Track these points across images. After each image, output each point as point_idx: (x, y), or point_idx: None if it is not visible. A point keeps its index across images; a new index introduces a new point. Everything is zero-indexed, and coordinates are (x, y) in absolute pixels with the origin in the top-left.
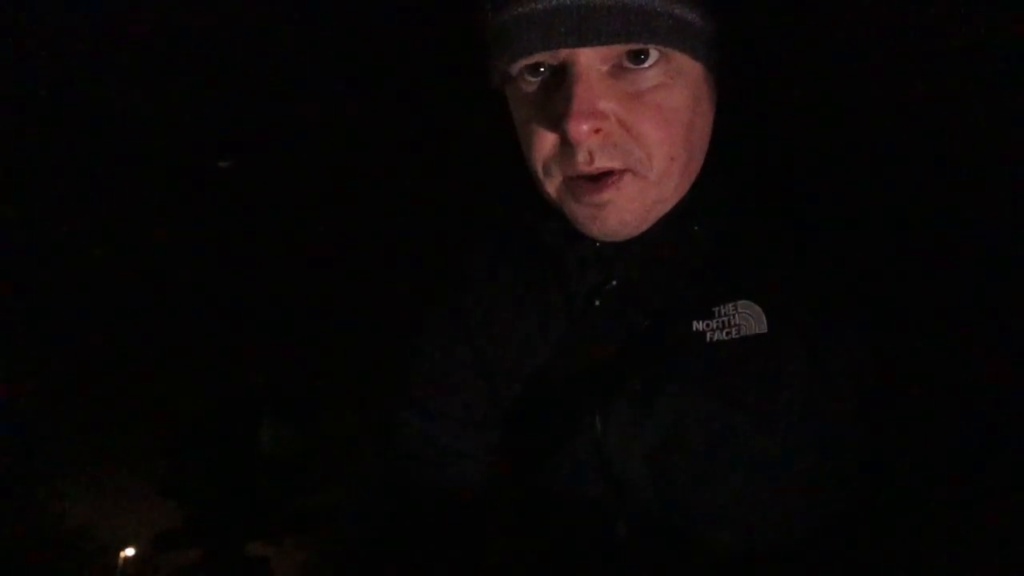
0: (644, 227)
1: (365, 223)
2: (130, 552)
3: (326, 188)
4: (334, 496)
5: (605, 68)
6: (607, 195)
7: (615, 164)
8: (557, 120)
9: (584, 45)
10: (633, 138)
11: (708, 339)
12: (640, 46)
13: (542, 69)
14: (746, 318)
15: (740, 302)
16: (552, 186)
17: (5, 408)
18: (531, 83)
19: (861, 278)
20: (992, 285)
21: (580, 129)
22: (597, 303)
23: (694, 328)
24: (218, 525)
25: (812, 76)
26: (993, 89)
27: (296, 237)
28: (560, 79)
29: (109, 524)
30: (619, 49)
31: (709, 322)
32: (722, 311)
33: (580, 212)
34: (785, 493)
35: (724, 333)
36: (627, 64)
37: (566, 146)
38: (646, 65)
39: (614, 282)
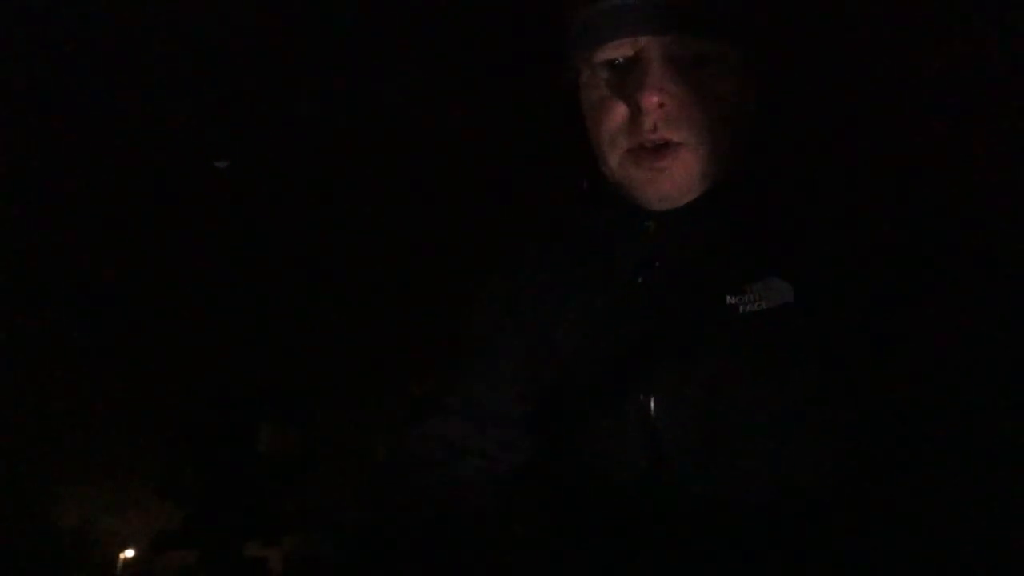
0: (690, 196)
1: (365, 224)
2: (130, 553)
3: (326, 188)
4: (334, 496)
5: (673, 57)
6: (665, 162)
7: (673, 137)
8: (629, 96)
9: (663, 34)
10: (689, 118)
11: (741, 311)
12: (706, 40)
13: (617, 61)
14: (775, 291)
15: (769, 278)
16: (615, 156)
17: (5, 408)
18: (607, 71)
19: (881, 253)
20: (1009, 264)
21: (651, 100)
22: (640, 280)
23: (728, 301)
24: (217, 525)
25: (845, 71)
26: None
27: (296, 238)
28: (634, 65)
29: (109, 525)
30: (684, 43)
31: (741, 296)
32: (753, 286)
33: (640, 176)
34: (813, 452)
35: (755, 305)
36: (691, 56)
37: (635, 118)
38: (705, 59)
39: (656, 263)
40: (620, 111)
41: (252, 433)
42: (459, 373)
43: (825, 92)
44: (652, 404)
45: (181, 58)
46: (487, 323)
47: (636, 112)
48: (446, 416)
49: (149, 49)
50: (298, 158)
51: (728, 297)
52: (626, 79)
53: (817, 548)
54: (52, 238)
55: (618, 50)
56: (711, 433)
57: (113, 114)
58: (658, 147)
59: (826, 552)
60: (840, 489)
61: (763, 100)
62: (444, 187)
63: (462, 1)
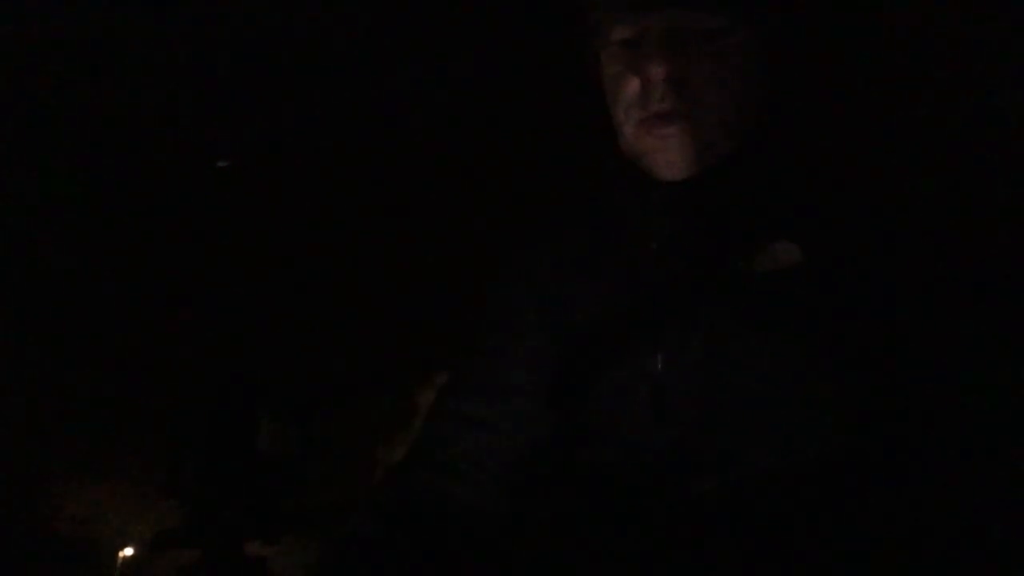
0: (698, 166)
1: (368, 223)
2: (128, 552)
3: (327, 189)
4: (335, 496)
5: (684, 34)
6: (671, 130)
7: (681, 107)
8: (640, 70)
9: (669, 10)
10: (698, 90)
11: (752, 275)
12: (716, 17)
13: (630, 40)
14: (785, 253)
15: (779, 242)
16: (630, 127)
17: (5, 408)
18: (621, 49)
19: (885, 219)
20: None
21: (660, 70)
22: (654, 246)
23: (738, 264)
24: (217, 525)
25: (853, 54)
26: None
27: (296, 237)
28: (644, 41)
29: (108, 524)
30: (692, 19)
31: (751, 259)
32: (765, 249)
33: (650, 144)
34: (812, 413)
35: (764, 266)
36: (698, 31)
37: (646, 90)
38: (717, 35)
39: (668, 230)
40: (633, 85)
41: (252, 432)
42: (476, 351)
43: (839, 69)
44: (659, 361)
45: (183, 57)
46: (506, 299)
47: (647, 85)
48: (462, 393)
49: (150, 50)
50: (299, 156)
51: (739, 260)
52: (638, 55)
53: (815, 508)
54: (52, 238)
55: (630, 29)
56: (713, 389)
57: (114, 115)
58: (668, 117)
59: (824, 513)
60: (840, 452)
61: (775, 75)
62: (445, 188)
63: None
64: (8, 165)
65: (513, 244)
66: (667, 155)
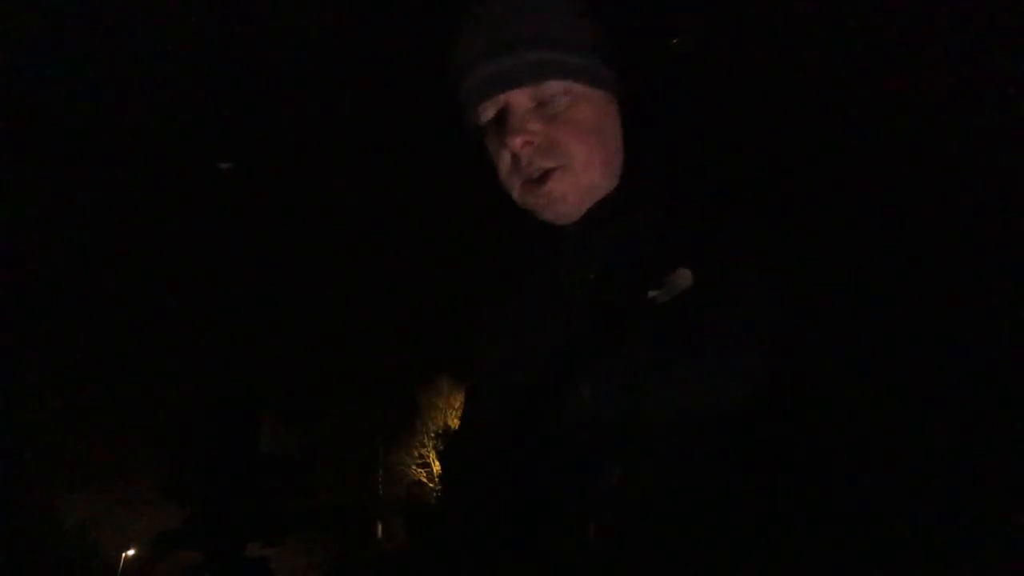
0: (584, 207)
1: (369, 227)
2: (131, 552)
3: (329, 191)
4: (336, 497)
5: (531, 104)
6: (548, 187)
7: (548, 164)
8: (506, 142)
9: (508, 90)
10: (557, 145)
11: (658, 302)
12: (539, 83)
13: (493, 118)
14: (682, 279)
15: (679, 270)
16: (516, 193)
17: (6, 410)
18: (490, 128)
19: (771, 248)
20: (895, 265)
21: (516, 142)
22: (572, 287)
23: (649, 295)
24: (219, 525)
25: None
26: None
27: (297, 239)
28: (503, 118)
29: (111, 525)
30: (534, 90)
31: (659, 290)
32: (666, 279)
33: (535, 203)
34: (717, 434)
35: (667, 295)
36: (543, 97)
37: (515, 160)
38: (556, 97)
39: (581, 270)
40: (506, 157)
41: (254, 434)
42: (467, 393)
43: (706, 94)
44: (588, 391)
45: (185, 60)
46: (477, 351)
47: (515, 156)
48: (462, 437)
49: (152, 51)
50: (304, 160)
51: (650, 292)
52: (502, 130)
53: (723, 524)
54: (54, 239)
55: (490, 110)
56: (634, 415)
57: (115, 115)
58: (541, 176)
59: (729, 526)
60: (734, 457)
61: (627, 117)
62: (448, 190)
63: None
64: (8, 165)
65: (483, 304)
66: (554, 210)
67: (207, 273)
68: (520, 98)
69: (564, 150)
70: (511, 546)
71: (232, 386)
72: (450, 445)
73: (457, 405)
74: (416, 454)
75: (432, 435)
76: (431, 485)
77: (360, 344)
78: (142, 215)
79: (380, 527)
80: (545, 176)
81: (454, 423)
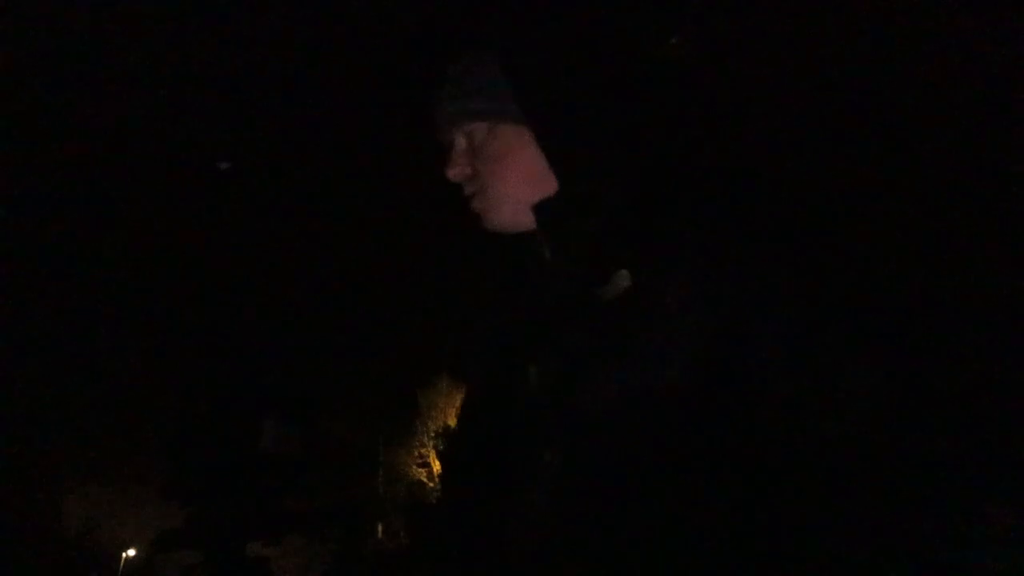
0: (520, 220)
1: (369, 228)
2: (132, 552)
3: (330, 191)
4: (336, 496)
5: (465, 142)
6: (476, 205)
7: (473, 189)
8: (448, 167)
9: (451, 125)
10: (479, 175)
11: (602, 299)
12: (469, 124)
13: (447, 146)
14: (621, 279)
15: (620, 271)
16: (466, 208)
17: (7, 410)
18: (448, 149)
19: (706, 246)
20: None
21: (451, 173)
22: (535, 283)
23: (596, 293)
24: (219, 525)
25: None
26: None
27: (297, 239)
28: (449, 147)
29: (111, 525)
30: (466, 129)
31: (604, 287)
32: (611, 277)
33: (478, 216)
34: (645, 407)
35: (611, 294)
36: (473, 137)
37: (458, 180)
38: (480, 135)
39: (538, 271)
40: (453, 176)
41: (254, 434)
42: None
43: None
44: (534, 373)
45: (185, 61)
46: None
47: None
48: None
49: (153, 52)
50: (304, 160)
51: (596, 289)
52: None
53: (658, 518)
54: (55, 239)
55: (443, 138)
56: (570, 396)
57: (116, 115)
58: (472, 198)
59: (655, 500)
60: (685, 452)
61: (543, 144)
62: (446, 191)
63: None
64: (9, 166)
65: (475, 312)
66: (491, 223)
67: (207, 273)
68: (459, 136)
69: (490, 178)
70: (475, 513)
71: (233, 386)
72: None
73: (457, 405)
74: (416, 454)
75: (432, 435)
76: (431, 485)
77: (360, 344)
78: (143, 215)
79: (380, 527)
80: (474, 200)
81: (454, 423)
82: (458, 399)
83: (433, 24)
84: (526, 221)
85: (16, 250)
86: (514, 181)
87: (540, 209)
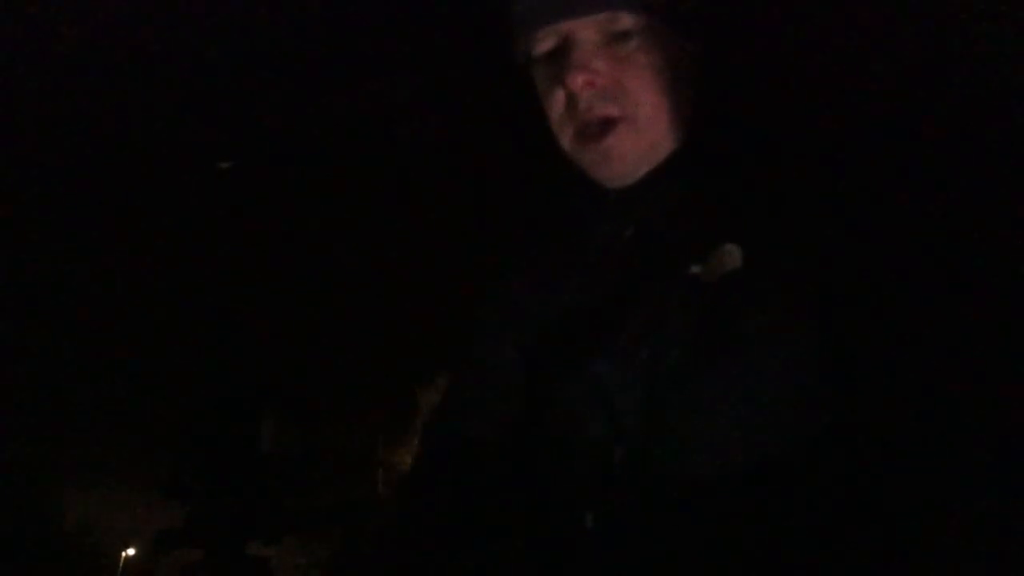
0: (644, 169)
1: (368, 227)
2: (131, 552)
3: (328, 189)
4: (336, 496)
5: (597, 38)
6: (608, 141)
7: (611, 112)
8: (563, 81)
9: (581, 17)
10: (624, 91)
11: (701, 280)
12: (613, 13)
13: (550, 51)
14: (728, 256)
15: (724, 246)
16: (566, 141)
17: (7, 410)
18: (544, 61)
19: (823, 226)
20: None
21: (576, 81)
22: (609, 254)
23: (692, 271)
24: (219, 525)
25: (782, 43)
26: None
27: (297, 239)
28: (563, 51)
29: (111, 524)
30: (604, 22)
31: (702, 265)
32: (712, 254)
33: (589, 158)
34: (757, 417)
35: (712, 274)
36: (614, 33)
37: (572, 101)
38: (628, 34)
39: (622, 237)
40: (560, 97)
41: (254, 433)
42: (463, 369)
43: (777, 64)
44: (605, 368)
45: (185, 60)
46: (485, 326)
47: (572, 95)
48: (451, 412)
49: (153, 52)
50: (303, 160)
51: (692, 267)
52: (560, 65)
53: (755, 521)
54: (55, 240)
55: (547, 40)
56: (658, 400)
57: (116, 116)
58: (601, 127)
59: (763, 526)
60: (780, 455)
61: (707, 71)
62: (445, 189)
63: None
64: (9, 166)
65: (490, 273)
66: (609, 168)
67: (208, 273)
68: (587, 30)
69: (631, 98)
70: (501, 535)
71: (233, 386)
72: (430, 426)
73: None
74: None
75: None
76: None
77: (360, 344)
78: (143, 215)
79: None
80: (605, 128)
81: None
82: None
83: None
84: (647, 172)
85: (16, 250)
86: (666, 113)
87: (669, 160)
